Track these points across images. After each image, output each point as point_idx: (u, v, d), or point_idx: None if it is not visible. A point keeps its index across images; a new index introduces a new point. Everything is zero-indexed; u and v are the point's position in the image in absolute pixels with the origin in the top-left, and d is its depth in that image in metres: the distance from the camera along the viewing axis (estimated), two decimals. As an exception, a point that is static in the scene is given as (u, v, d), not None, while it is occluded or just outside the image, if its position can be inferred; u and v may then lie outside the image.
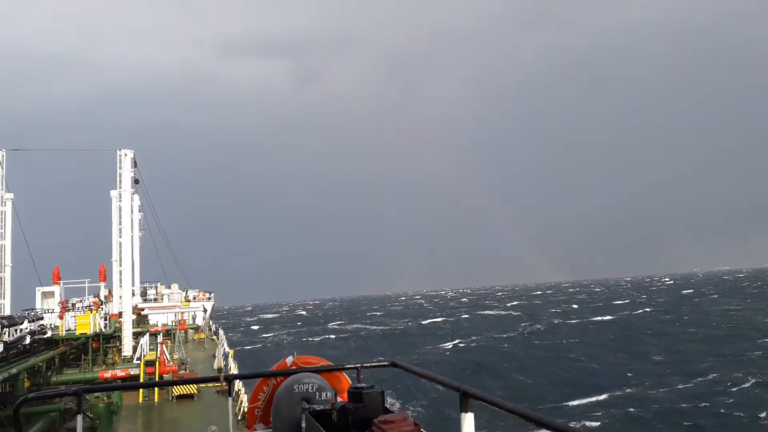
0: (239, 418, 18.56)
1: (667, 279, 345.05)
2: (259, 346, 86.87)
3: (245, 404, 21.60)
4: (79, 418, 5.32)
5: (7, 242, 35.81)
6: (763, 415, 31.70)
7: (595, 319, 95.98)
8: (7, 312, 34.29)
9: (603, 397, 39.09)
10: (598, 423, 33.56)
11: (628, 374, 46.11)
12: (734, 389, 37.94)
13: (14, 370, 24.52)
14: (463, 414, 4.22)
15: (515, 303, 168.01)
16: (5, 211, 35.76)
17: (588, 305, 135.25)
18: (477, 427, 4.34)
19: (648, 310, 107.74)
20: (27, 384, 27.83)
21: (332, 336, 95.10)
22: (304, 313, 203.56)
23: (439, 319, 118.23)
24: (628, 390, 40.92)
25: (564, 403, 38.32)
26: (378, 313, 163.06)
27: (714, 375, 43.06)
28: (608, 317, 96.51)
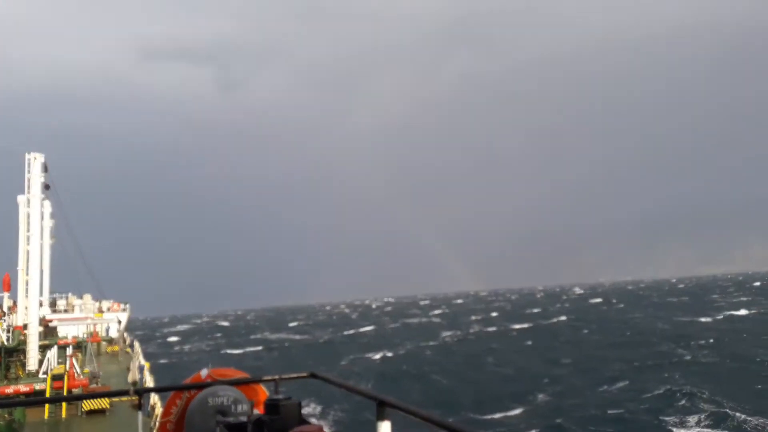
0: (153, 432, 17.98)
1: (576, 288, 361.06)
2: (176, 360, 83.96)
3: (158, 419, 20.86)
4: None
5: None
6: (669, 419, 33.68)
7: (512, 326, 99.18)
8: None
9: (518, 403, 40.46)
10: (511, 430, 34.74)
11: (544, 380, 47.92)
12: (642, 395, 40.12)
13: None
14: (379, 423, 4.27)
15: (437, 312, 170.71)
16: None
17: (505, 313, 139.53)
18: None
19: (562, 318, 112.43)
20: None
21: (255, 348, 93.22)
22: (225, 324, 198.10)
23: (364, 329, 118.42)
24: (543, 396, 42.56)
25: (483, 410, 39.34)
26: (302, 323, 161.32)
27: (623, 381, 45.44)
28: (525, 325, 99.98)
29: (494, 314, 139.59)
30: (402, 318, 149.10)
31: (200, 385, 6.40)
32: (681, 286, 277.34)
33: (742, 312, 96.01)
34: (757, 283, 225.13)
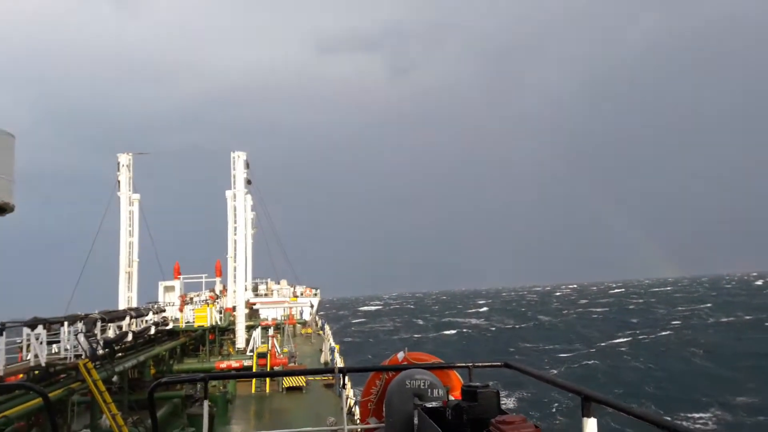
0: (346, 411, 18.91)
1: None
2: (359, 340, 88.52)
3: (351, 398, 22.05)
4: (206, 403, 5.71)
5: (135, 239, 38.78)
6: None
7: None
8: (135, 304, 37.09)
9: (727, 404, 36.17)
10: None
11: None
12: None
13: (142, 358, 26.53)
14: (585, 419, 4.04)
15: (633, 303, 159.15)
16: (133, 211, 38.72)
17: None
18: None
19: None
20: (153, 371, 30.04)
21: (446, 331, 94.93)
22: (412, 306, 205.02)
23: (545, 318, 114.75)
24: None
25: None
26: (483, 309, 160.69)
27: None
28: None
29: (703, 305, 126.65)
30: (589, 307, 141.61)
31: (398, 368, 6.62)
32: None
33: None
34: None
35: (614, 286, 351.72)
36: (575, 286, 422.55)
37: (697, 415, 35.24)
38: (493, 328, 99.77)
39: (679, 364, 53.94)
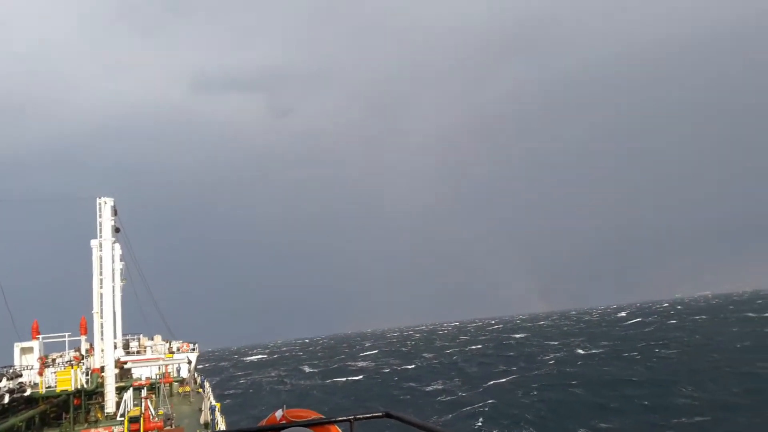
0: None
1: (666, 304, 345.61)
2: (240, 391, 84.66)
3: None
4: None
5: (-17, 297, 34.60)
6: None
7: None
8: (-17, 372, 32.91)
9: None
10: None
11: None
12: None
13: (-10, 434, 23.30)
14: None
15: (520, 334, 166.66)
16: (-20, 266, 34.71)
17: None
18: None
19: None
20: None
21: (335, 378, 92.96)
22: (299, 353, 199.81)
23: (429, 355, 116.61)
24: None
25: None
26: (370, 352, 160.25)
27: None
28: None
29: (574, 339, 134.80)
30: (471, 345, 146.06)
31: (276, 428, 6.39)
32: None
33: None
34: None
35: (493, 322, 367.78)
36: (457, 323, 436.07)
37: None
38: (383, 371, 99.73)
39: (557, 394, 56.74)
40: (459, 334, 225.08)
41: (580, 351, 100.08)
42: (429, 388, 70.57)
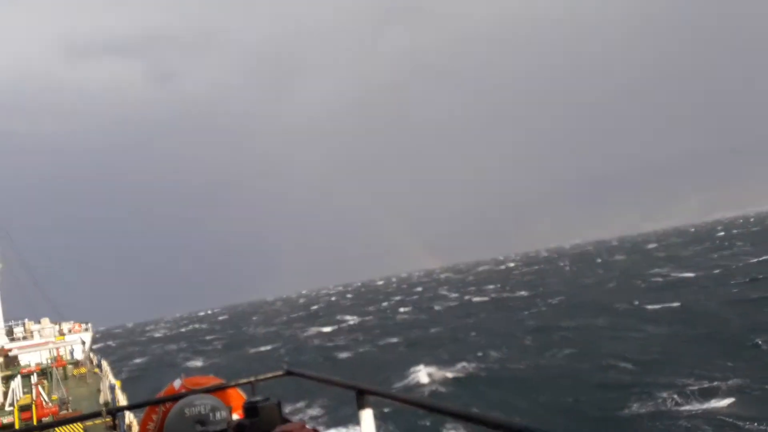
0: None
1: (543, 252, 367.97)
2: (141, 368, 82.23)
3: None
4: None
5: None
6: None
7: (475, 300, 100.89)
8: None
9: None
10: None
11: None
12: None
13: None
14: (360, 411, 4.29)
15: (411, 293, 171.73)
16: None
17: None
18: (377, 421, 4.42)
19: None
20: None
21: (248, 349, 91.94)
22: (199, 325, 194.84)
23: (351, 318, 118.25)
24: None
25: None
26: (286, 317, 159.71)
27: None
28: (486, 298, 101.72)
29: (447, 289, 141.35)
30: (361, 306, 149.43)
31: (175, 397, 6.21)
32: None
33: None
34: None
35: (394, 280, 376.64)
36: (359, 283, 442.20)
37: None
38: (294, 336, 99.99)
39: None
40: (368, 292, 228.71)
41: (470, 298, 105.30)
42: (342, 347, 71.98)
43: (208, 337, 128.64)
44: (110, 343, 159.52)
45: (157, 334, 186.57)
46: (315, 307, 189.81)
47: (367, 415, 4.28)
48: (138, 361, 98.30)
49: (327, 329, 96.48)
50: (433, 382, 40.10)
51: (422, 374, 41.74)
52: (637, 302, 61.01)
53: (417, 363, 44.63)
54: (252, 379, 6.12)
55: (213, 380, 6.91)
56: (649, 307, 56.61)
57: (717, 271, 79.75)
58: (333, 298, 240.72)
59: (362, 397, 4.30)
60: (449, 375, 40.88)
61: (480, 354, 46.39)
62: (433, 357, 47.18)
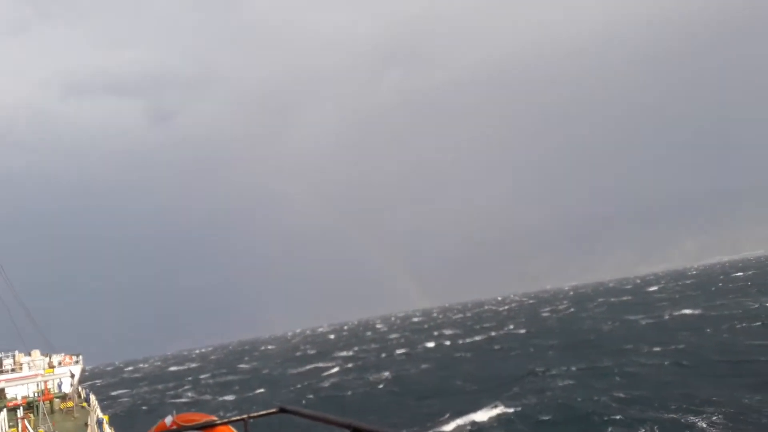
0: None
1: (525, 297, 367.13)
2: (130, 408, 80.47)
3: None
4: None
5: None
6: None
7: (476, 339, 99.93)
8: None
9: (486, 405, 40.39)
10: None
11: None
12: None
13: None
14: None
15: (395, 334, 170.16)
16: None
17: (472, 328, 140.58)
18: None
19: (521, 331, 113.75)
20: None
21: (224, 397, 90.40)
22: (193, 364, 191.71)
23: (345, 353, 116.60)
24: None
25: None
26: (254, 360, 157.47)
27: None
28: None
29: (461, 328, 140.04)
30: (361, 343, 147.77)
31: None
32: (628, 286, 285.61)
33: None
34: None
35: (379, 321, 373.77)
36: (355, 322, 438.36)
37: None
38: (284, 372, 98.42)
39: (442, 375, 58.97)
40: (351, 336, 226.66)
41: (464, 340, 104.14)
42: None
43: (202, 376, 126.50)
44: (97, 381, 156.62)
45: (142, 373, 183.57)
46: (307, 347, 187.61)
47: None
48: (125, 400, 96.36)
49: (321, 364, 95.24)
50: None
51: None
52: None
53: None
54: (245, 416, 5.88)
55: (205, 417, 6.73)
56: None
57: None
58: (331, 336, 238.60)
59: None
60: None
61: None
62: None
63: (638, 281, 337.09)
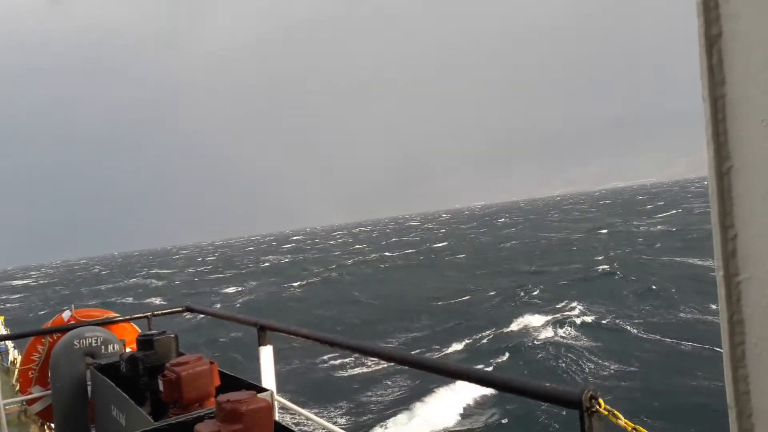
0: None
1: (443, 214, 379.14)
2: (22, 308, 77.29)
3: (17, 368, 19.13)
4: None
5: None
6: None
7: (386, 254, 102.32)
8: None
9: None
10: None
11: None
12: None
13: None
14: (261, 348, 4.38)
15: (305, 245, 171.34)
16: None
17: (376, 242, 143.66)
18: (277, 357, 4.54)
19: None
20: None
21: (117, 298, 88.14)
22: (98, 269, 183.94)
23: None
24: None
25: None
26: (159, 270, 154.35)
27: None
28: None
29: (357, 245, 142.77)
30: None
31: (63, 328, 5.93)
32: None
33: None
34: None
35: (292, 233, 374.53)
36: (259, 237, 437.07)
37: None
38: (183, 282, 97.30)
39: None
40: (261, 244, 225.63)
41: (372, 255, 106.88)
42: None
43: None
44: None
45: (37, 278, 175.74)
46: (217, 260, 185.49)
47: (267, 351, 4.38)
48: (17, 305, 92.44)
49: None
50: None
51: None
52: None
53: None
54: (148, 313, 5.97)
55: (107, 313, 6.65)
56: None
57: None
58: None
59: (263, 333, 4.40)
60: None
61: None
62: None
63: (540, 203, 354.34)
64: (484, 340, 27.61)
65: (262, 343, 4.40)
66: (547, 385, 2.24)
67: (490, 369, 21.51)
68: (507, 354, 24.47)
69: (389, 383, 22.52)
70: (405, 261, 78.47)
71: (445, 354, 26.07)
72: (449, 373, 2.88)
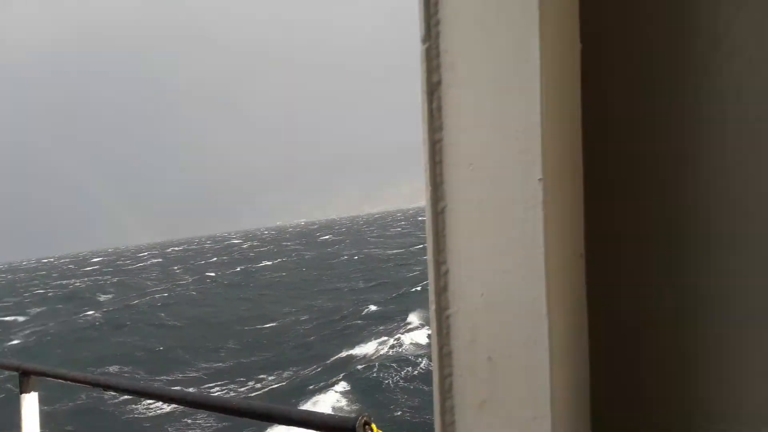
0: None
1: (266, 231, 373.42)
2: None
3: None
4: None
5: None
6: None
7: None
8: None
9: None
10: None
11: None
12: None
13: None
14: (23, 395, 3.77)
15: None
16: None
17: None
18: (44, 405, 3.94)
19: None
20: None
21: None
22: None
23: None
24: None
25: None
26: None
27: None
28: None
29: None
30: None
31: None
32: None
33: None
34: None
35: (91, 254, 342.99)
36: (52, 259, 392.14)
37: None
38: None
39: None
40: (51, 273, 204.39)
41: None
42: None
43: None
44: None
45: None
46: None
47: (31, 400, 3.77)
48: None
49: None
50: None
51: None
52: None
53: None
54: None
55: None
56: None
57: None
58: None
59: (26, 379, 3.79)
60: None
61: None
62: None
63: (361, 221, 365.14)
64: (291, 370, 25.58)
65: (24, 390, 3.75)
66: (325, 414, 2.25)
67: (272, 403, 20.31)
68: (321, 382, 22.55)
69: (189, 422, 19.77)
70: (223, 280, 75.02)
71: (250, 387, 23.67)
72: (231, 410, 2.61)
